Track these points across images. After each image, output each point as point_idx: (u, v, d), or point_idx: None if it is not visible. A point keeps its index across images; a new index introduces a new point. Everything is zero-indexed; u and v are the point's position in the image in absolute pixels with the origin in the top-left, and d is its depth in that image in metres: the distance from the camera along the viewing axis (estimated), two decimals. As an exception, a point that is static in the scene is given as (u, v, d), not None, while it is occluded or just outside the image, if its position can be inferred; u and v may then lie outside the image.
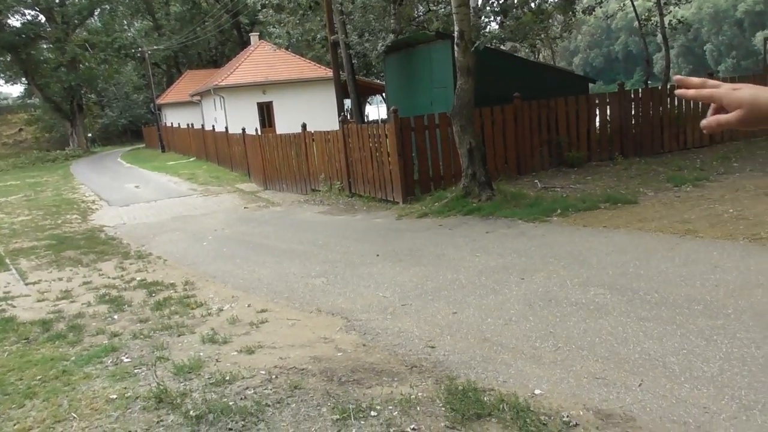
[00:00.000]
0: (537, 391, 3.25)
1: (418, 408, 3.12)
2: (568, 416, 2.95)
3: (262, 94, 27.14)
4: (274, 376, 3.68)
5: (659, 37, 17.65)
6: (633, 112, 11.73)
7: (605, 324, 4.06)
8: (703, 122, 0.93)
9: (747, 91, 0.89)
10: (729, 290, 4.44)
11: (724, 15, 70.29)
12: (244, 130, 18.44)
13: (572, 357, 3.64)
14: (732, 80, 12.20)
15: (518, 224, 7.45)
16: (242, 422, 3.10)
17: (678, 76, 0.98)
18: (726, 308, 4.11)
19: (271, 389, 3.50)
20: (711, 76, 12.45)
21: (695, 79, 0.94)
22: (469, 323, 4.33)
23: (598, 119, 11.61)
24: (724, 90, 0.91)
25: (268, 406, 3.28)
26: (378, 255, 6.84)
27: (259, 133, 17.84)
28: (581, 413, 2.99)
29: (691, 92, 0.94)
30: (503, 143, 10.73)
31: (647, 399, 3.07)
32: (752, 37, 61.75)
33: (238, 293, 5.92)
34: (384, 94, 18.48)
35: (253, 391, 3.48)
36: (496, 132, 10.65)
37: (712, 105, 0.93)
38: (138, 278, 6.97)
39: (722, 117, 0.90)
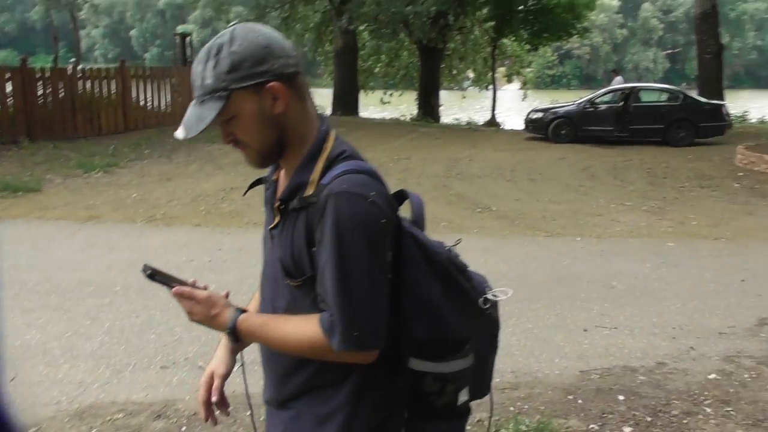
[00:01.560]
0: None
1: None
2: None
3: None
4: None
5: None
6: (42, 92, 11.39)
7: (-15, 323, 3.93)
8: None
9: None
10: (120, 269, 4.98)
11: (148, 3, 75.76)
12: None
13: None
14: (159, 70, 13.35)
15: None
16: None
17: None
18: (115, 286, 4.61)
19: None
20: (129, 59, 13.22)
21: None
22: None
23: (-1, 97, 10.76)
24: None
25: None
26: None
27: None
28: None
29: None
30: None
31: (19, 391, 3.18)
32: (174, 30, 68.84)
33: None
34: None
35: None
36: None
37: None
38: None
39: None
